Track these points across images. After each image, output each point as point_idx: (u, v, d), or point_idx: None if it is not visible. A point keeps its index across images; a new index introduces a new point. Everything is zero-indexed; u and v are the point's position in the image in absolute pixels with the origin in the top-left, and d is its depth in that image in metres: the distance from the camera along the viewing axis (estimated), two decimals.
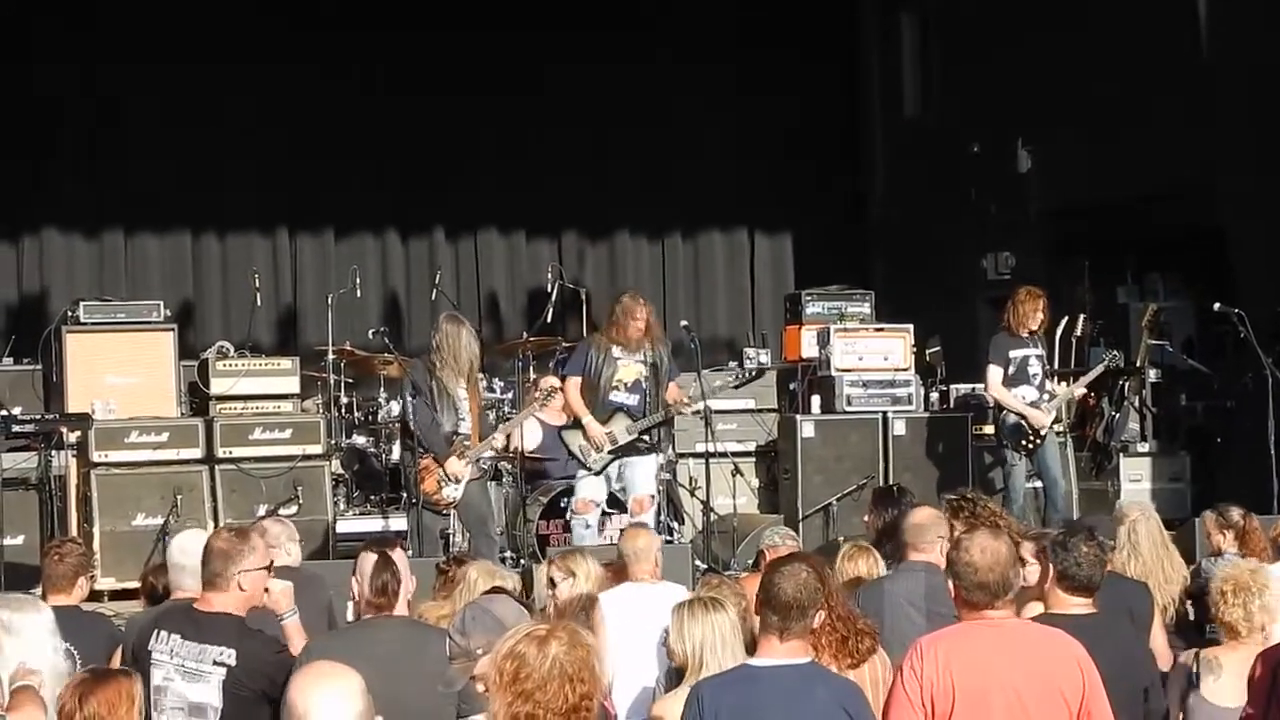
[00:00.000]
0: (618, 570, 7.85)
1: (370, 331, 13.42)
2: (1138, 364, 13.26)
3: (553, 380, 11.78)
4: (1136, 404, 13.32)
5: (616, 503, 10.98)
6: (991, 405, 12.11)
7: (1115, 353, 12.56)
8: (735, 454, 12.70)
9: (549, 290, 14.00)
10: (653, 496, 10.90)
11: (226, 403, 12.08)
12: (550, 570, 7.51)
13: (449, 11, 15.37)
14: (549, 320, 13.79)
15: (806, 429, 12.60)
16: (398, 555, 5.97)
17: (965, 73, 15.57)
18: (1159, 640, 7.56)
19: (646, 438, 10.81)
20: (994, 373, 11.72)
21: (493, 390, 12.23)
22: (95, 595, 9.02)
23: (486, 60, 15.48)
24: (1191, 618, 8.45)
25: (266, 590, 6.10)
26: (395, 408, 11.98)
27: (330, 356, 12.68)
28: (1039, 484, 12.08)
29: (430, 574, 7.89)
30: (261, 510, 11.23)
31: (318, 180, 15.23)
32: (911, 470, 12.33)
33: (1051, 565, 5.96)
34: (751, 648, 5.61)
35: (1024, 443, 11.64)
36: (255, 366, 12.36)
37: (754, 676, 5.12)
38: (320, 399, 12.77)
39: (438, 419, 10.24)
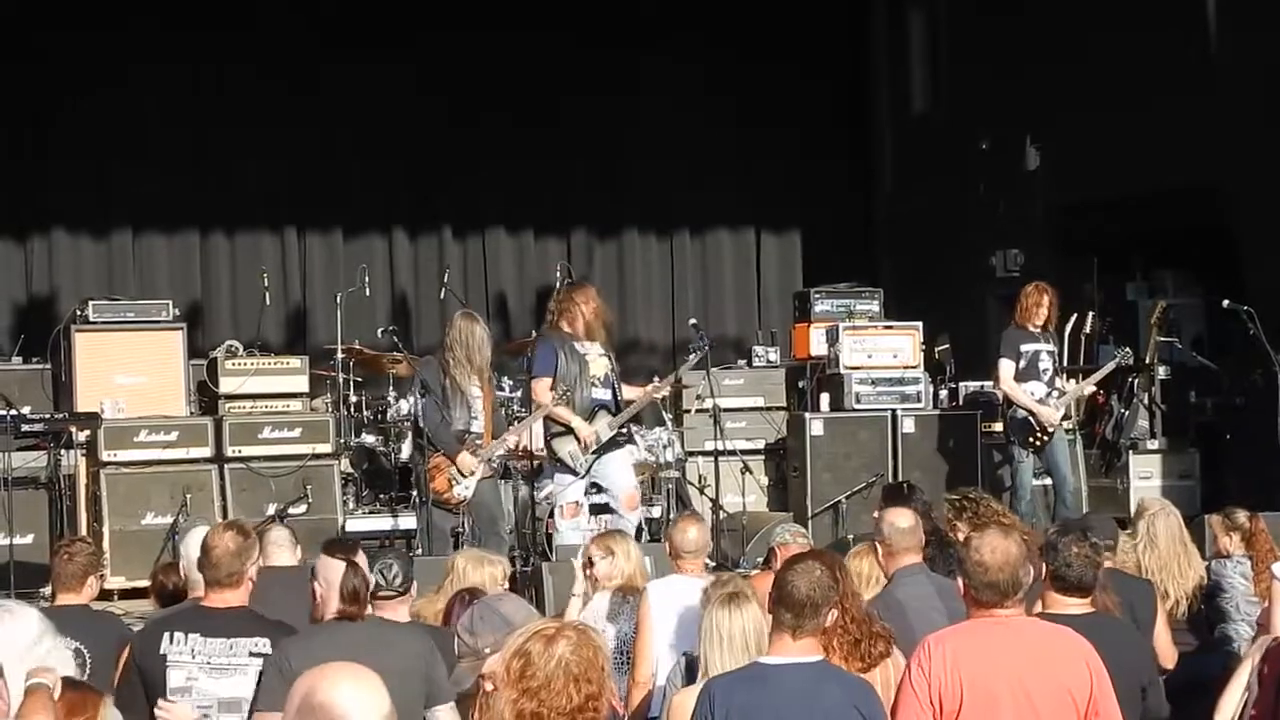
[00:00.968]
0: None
1: (379, 330, 13.48)
2: (1147, 361, 13.24)
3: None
4: (1145, 401, 13.30)
5: (601, 510, 10.69)
6: (1000, 401, 12.10)
7: (1126, 349, 12.55)
8: (744, 452, 12.71)
9: (557, 289, 13.98)
10: (637, 487, 10.78)
11: (235, 402, 12.10)
12: (590, 550, 7.51)
13: (455, 12, 15.37)
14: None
15: (816, 427, 12.59)
16: (360, 558, 5.98)
17: (973, 69, 15.55)
18: (1162, 639, 7.56)
19: (623, 430, 10.70)
20: (1005, 366, 11.72)
21: (502, 389, 12.22)
22: (105, 594, 9.01)
23: (494, 60, 15.48)
24: (1203, 615, 8.46)
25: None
26: (404, 406, 11.99)
27: (339, 355, 12.69)
28: (1048, 481, 12.08)
29: (439, 573, 7.87)
30: (271, 509, 11.24)
31: (326, 179, 15.23)
32: (921, 468, 12.33)
33: (1045, 566, 5.96)
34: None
35: (1031, 439, 11.63)
36: (264, 365, 12.38)
37: (766, 674, 5.10)
38: (329, 398, 12.78)
39: (447, 417, 10.21)
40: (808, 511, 12.28)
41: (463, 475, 10.17)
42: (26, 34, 14.27)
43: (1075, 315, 13.25)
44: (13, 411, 10.77)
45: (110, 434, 11.42)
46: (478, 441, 10.26)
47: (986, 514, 7.72)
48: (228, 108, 14.94)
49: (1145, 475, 12.95)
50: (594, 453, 10.46)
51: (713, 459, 11.82)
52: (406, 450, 11.87)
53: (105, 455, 11.39)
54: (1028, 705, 5.01)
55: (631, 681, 6.83)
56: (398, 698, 5.10)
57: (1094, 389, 12.58)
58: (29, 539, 10.85)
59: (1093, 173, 14.20)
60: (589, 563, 7.49)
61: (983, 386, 13.06)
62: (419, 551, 10.14)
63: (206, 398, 12.35)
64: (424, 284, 15.54)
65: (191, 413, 12.09)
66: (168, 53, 14.67)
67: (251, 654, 5.85)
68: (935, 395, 13.07)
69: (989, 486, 11.43)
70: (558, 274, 14.08)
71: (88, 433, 11.36)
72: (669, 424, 12.47)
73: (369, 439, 12.53)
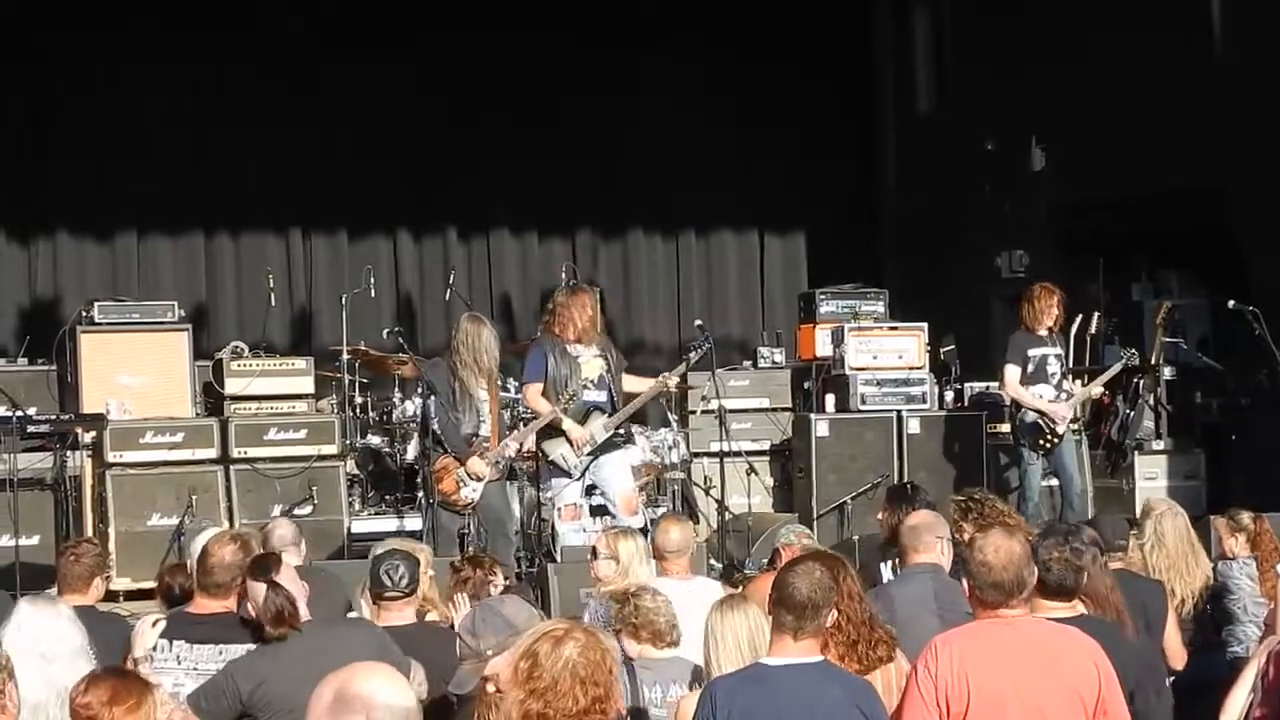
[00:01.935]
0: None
1: (384, 331, 13.50)
2: (1152, 362, 13.23)
3: None
4: (1151, 402, 13.29)
5: (601, 512, 10.67)
6: (1008, 404, 12.10)
7: (1133, 350, 12.53)
8: (750, 453, 12.70)
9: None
10: (635, 490, 10.75)
11: (241, 403, 12.10)
12: (597, 542, 7.50)
13: (456, 12, 15.37)
14: None
15: (821, 428, 12.59)
16: (284, 571, 5.94)
17: (978, 69, 15.55)
18: (1173, 640, 7.55)
19: (620, 431, 10.69)
20: (1011, 372, 11.71)
21: (506, 390, 12.22)
22: (111, 595, 9.01)
23: (495, 60, 15.48)
24: (1210, 616, 8.46)
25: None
26: (410, 408, 11.99)
27: (345, 356, 12.69)
28: (1055, 483, 12.07)
29: (443, 574, 7.87)
30: (276, 510, 11.24)
31: (331, 180, 15.25)
32: (926, 469, 12.32)
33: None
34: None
35: (1041, 441, 11.62)
36: (270, 367, 12.37)
37: (767, 675, 5.11)
38: (335, 399, 12.77)
39: (454, 419, 10.21)
40: (813, 512, 12.28)
41: (472, 479, 10.17)
42: (27, 34, 14.28)
43: (1080, 316, 13.23)
44: (18, 412, 10.77)
45: (116, 435, 11.43)
46: (485, 445, 10.26)
47: (992, 515, 7.70)
48: (229, 108, 14.95)
49: (1151, 476, 12.94)
50: (589, 454, 10.41)
51: (718, 460, 11.82)
52: (412, 451, 11.87)
53: (111, 456, 11.39)
54: (1035, 706, 5.01)
55: None
56: None
57: (1101, 390, 12.57)
58: (35, 540, 10.83)
59: (1098, 173, 14.20)
60: (593, 553, 7.47)
61: (988, 387, 13.05)
62: None
63: (212, 399, 12.35)
64: (429, 285, 15.55)
65: (197, 414, 12.08)
66: (168, 53, 14.67)
67: None
68: (940, 396, 13.06)
69: (994, 487, 11.42)
70: (563, 275, 14.08)
71: (93, 434, 11.36)
72: (674, 425, 12.48)
73: (374, 440, 12.53)
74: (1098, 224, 14.56)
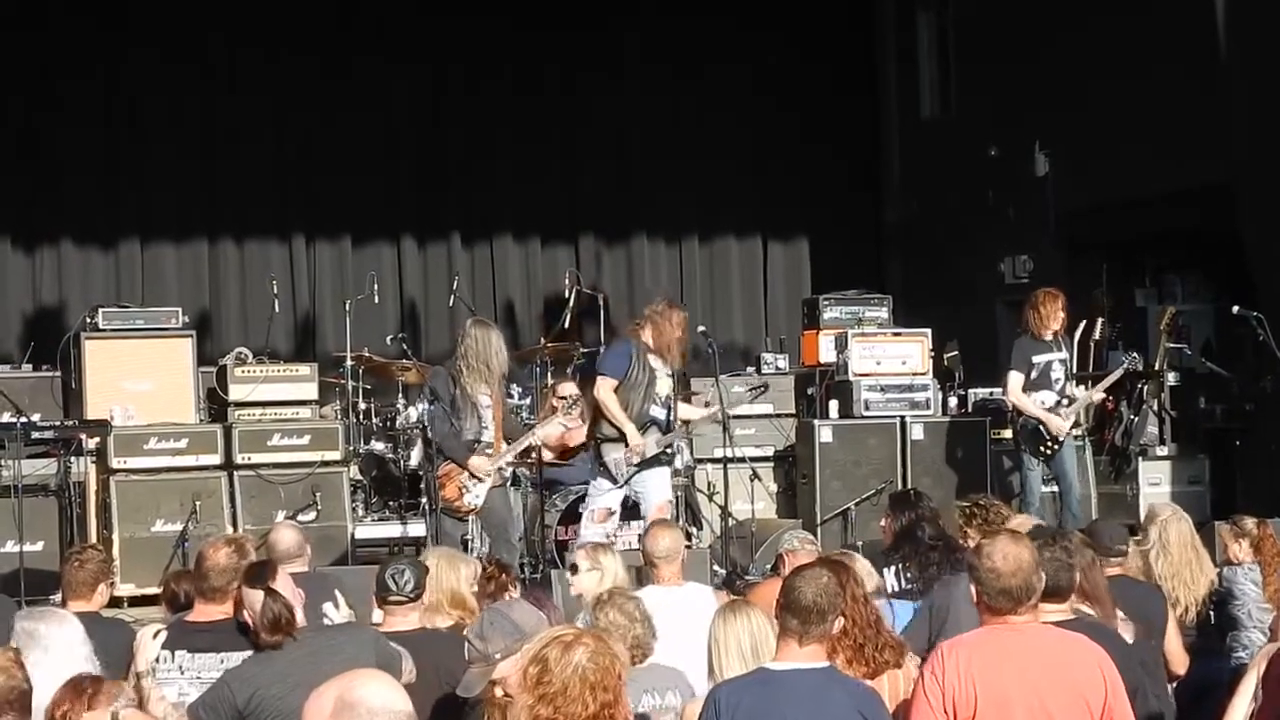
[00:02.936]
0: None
1: (388, 337, 13.49)
2: (1156, 367, 13.23)
3: (570, 387, 11.74)
4: (1155, 407, 13.28)
5: (632, 512, 10.83)
6: (1010, 409, 12.10)
7: (1135, 355, 12.54)
8: (753, 459, 12.72)
9: (566, 296, 14.00)
10: (670, 502, 10.84)
11: (245, 409, 12.11)
12: (577, 555, 7.47)
13: (464, 20, 15.39)
14: (566, 326, 13.81)
15: (825, 434, 12.60)
16: (280, 579, 5.94)
17: (982, 75, 15.55)
18: (1174, 645, 7.54)
19: (668, 449, 10.74)
20: (1014, 378, 11.70)
21: (511, 396, 12.22)
22: (115, 601, 9.02)
23: (502, 66, 15.50)
24: (1213, 622, 8.45)
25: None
26: (414, 413, 11.99)
27: (348, 362, 12.70)
28: (1056, 488, 12.07)
29: None
30: (280, 516, 11.24)
31: (335, 186, 15.26)
32: (930, 475, 12.34)
33: None
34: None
35: (1042, 448, 11.62)
36: (273, 373, 12.39)
37: (772, 680, 5.12)
38: (338, 405, 12.78)
39: (456, 426, 10.20)
40: (817, 518, 12.29)
41: (476, 479, 10.16)
42: (30, 39, 14.30)
43: (1084, 321, 13.24)
44: (23, 419, 10.80)
45: (120, 441, 11.44)
46: (488, 450, 10.26)
47: (997, 520, 7.70)
48: (235, 115, 14.96)
49: (1155, 481, 12.93)
50: (636, 465, 10.43)
51: (722, 466, 11.82)
52: (416, 457, 11.88)
53: (115, 462, 11.41)
54: (1042, 712, 5.00)
55: None
56: None
57: (1103, 395, 12.56)
58: (39, 546, 10.85)
59: (1102, 178, 14.19)
60: (573, 569, 7.44)
61: (992, 393, 13.05)
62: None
63: (216, 405, 12.36)
64: (433, 291, 15.55)
65: (201, 420, 12.10)
66: (172, 58, 14.69)
67: None
68: (944, 402, 13.06)
69: (998, 493, 11.43)
70: (567, 281, 14.09)
71: (98, 440, 11.39)
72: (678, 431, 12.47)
73: (378, 446, 12.53)
74: (1101, 229, 14.56)
